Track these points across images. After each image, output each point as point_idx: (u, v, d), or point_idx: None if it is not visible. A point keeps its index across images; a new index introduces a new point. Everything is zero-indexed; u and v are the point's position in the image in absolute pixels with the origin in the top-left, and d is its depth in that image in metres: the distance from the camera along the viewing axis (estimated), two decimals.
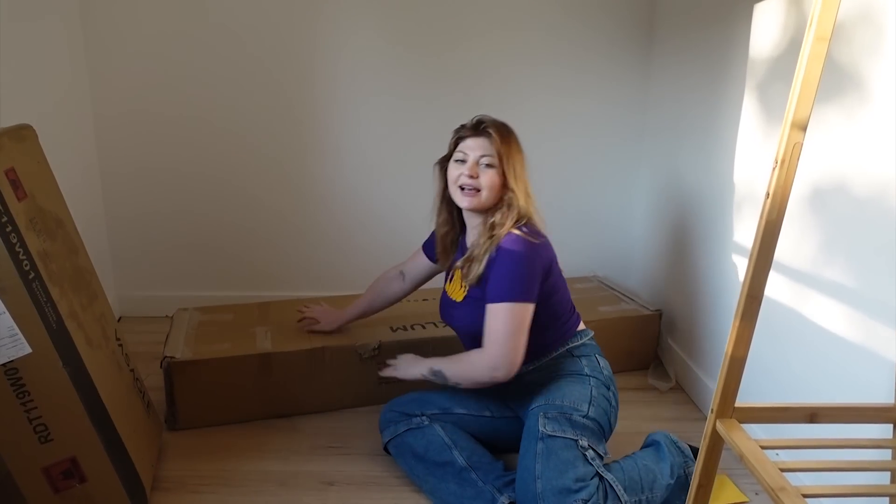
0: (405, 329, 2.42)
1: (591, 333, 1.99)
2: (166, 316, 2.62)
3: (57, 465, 1.60)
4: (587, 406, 1.82)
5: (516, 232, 1.80)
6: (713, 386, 1.34)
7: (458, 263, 1.93)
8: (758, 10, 2.05)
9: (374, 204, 3.06)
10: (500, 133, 1.86)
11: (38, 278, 1.52)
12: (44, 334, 1.51)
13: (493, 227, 1.84)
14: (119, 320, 3.03)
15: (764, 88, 2.01)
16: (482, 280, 1.83)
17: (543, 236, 1.86)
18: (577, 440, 1.74)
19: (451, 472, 1.83)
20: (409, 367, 1.98)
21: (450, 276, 2.06)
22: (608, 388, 1.90)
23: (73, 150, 2.72)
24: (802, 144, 1.09)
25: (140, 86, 2.86)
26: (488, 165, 1.84)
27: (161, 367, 2.13)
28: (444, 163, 1.98)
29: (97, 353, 1.69)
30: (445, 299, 2.04)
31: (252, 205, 3.04)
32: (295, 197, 3.04)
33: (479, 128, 1.89)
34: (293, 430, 2.23)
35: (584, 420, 1.80)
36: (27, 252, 1.51)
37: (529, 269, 1.79)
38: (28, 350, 1.50)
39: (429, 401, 2.01)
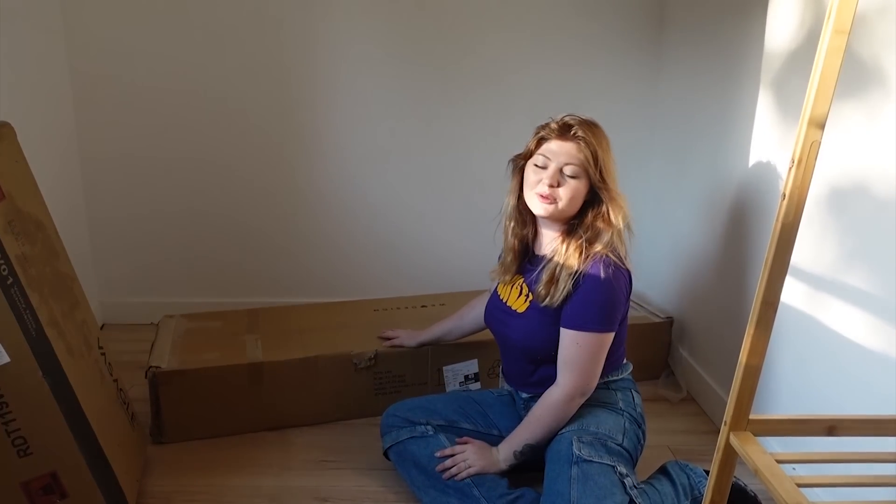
0: None
1: (631, 367, 1.99)
2: (151, 323, 2.62)
3: (36, 480, 1.59)
4: (621, 436, 1.83)
5: (609, 256, 1.76)
6: (726, 397, 1.34)
7: (539, 289, 1.83)
8: (773, 0, 2.05)
9: (369, 207, 3.06)
10: (591, 139, 1.78)
11: (16, 284, 1.52)
12: (22, 342, 1.51)
13: (583, 249, 1.78)
14: (102, 328, 3.03)
15: (780, 84, 2.01)
16: (563, 301, 1.80)
17: (626, 265, 1.82)
18: (614, 466, 1.73)
19: (453, 486, 1.83)
20: (490, 461, 1.86)
21: (508, 280, 2.01)
22: (639, 426, 1.90)
23: (53, 149, 2.73)
24: (820, 143, 1.09)
25: (124, 84, 2.85)
26: (572, 176, 1.78)
27: (146, 377, 2.13)
28: (520, 161, 1.91)
29: (79, 362, 1.69)
30: (499, 305, 2.00)
31: (242, 208, 3.04)
32: (286, 199, 3.04)
33: (567, 131, 1.80)
34: (285, 443, 2.23)
35: (620, 448, 1.80)
36: (5, 256, 1.50)
37: (617, 299, 1.79)
38: (6, 359, 1.49)
39: (434, 410, 2.00)
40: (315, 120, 2.95)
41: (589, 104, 2.95)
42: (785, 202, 1.13)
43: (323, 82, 2.91)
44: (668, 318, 2.69)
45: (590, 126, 1.81)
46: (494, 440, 1.94)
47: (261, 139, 2.96)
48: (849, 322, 1.68)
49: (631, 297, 2.78)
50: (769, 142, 2.07)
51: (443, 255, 3.10)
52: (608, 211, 1.78)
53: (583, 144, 1.77)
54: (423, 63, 2.92)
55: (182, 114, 2.91)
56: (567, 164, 1.78)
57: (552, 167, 1.79)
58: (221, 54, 2.86)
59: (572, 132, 1.79)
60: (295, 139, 2.98)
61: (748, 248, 2.19)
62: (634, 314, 2.69)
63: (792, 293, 1.87)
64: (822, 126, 1.09)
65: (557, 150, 1.80)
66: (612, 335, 1.81)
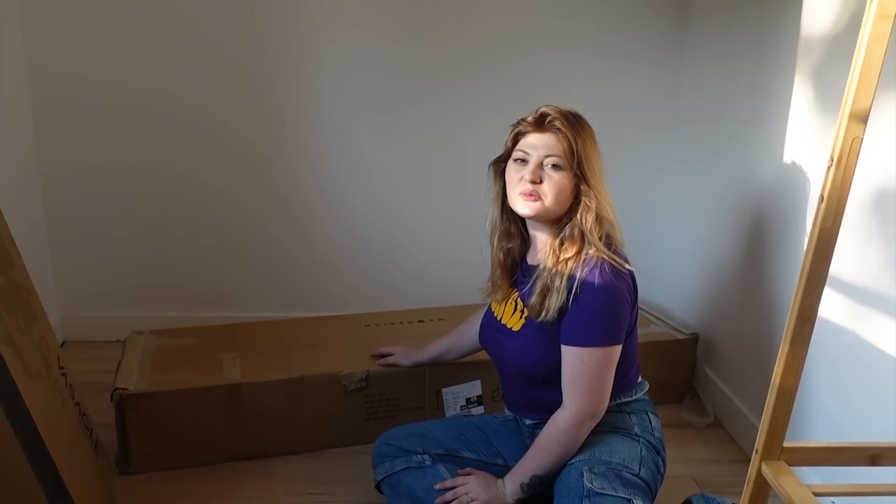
0: None
1: (647, 387, 1.98)
2: (118, 340, 2.62)
3: None
4: (638, 465, 1.81)
5: (605, 257, 1.75)
6: (758, 422, 1.33)
7: (532, 301, 1.83)
8: None
9: (359, 212, 3.07)
10: (570, 127, 1.78)
11: None
12: None
13: (578, 252, 1.77)
14: (62, 345, 3.03)
15: (818, 73, 2.01)
16: (559, 314, 1.79)
17: (629, 263, 1.81)
18: (630, 500, 1.71)
19: None
20: (495, 494, 1.83)
21: (502, 296, 2.01)
22: (658, 453, 1.88)
23: (10, 149, 2.72)
24: (863, 139, 1.09)
25: (86, 85, 2.86)
26: (555, 167, 1.77)
27: (111, 400, 2.13)
28: (500, 164, 1.92)
29: (37, 383, 1.69)
30: (493, 323, 2.00)
31: (217, 212, 3.04)
32: (266, 203, 3.05)
33: (543, 121, 1.81)
34: (267, 473, 2.23)
35: (636, 479, 1.78)
36: None
37: (620, 307, 1.77)
38: None
39: (432, 437, 2.00)
40: (295, 120, 2.96)
41: (603, 98, 2.97)
42: (823, 205, 1.13)
43: (303, 83, 2.92)
44: (692, 334, 2.69)
45: (569, 115, 1.82)
46: (499, 470, 1.93)
47: (238, 141, 2.97)
48: (895, 339, 1.68)
49: (654, 312, 2.81)
50: (806, 138, 2.07)
51: (442, 264, 3.10)
52: (594, 205, 1.78)
53: (561, 135, 1.78)
54: (414, 51, 2.93)
55: (152, 110, 2.90)
56: (548, 156, 1.78)
57: (532, 162, 1.80)
58: (196, 49, 2.87)
59: (549, 122, 1.80)
60: (274, 141, 2.98)
61: (782, 257, 2.19)
62: (656, 330, 2.69)
63: (831, 307, 1.87)
64: (864, 120, 1.09)
65: (536, 143, 1.81)
66: (618, 348, 1.80)
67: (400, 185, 3.04)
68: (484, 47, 2.93)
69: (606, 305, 1.75)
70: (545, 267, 1.82)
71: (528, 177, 1.79)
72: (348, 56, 2.90)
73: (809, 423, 2.01)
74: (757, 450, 1.28)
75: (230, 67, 2.89)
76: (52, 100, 2.87)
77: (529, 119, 1.85)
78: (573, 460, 1.81)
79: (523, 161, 1.82)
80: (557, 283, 1.77)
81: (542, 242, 1.88)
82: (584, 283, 1.74)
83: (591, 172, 1.78)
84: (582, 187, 1.78)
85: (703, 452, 2.38)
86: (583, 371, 1.76)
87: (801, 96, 2.08)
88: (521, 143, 1.84)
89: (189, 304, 3.11)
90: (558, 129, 1.78)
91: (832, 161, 1.11)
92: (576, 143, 1.76)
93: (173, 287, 3.11)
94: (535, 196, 1.79)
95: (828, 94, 1.96)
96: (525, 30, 2.92)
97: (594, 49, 2.95)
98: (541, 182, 1.78)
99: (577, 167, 1.77)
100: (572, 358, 1.77)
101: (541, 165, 1.79)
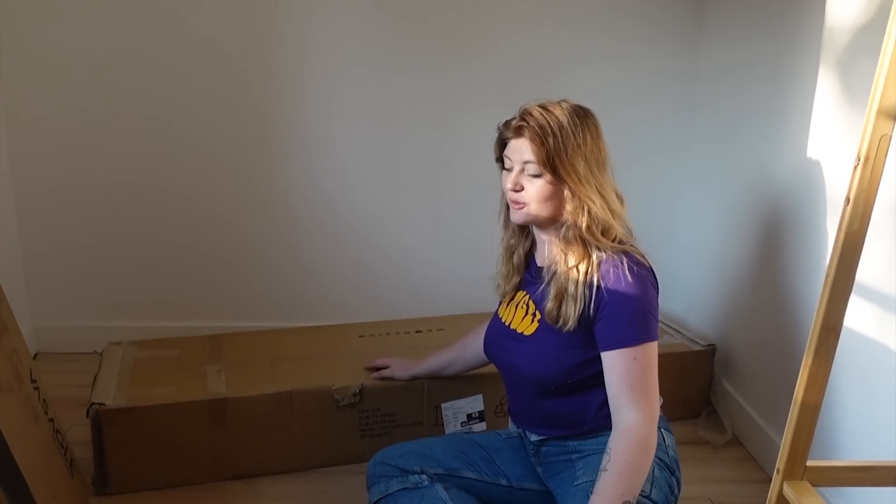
0: None
1: (660, 402, 1.97)
2: (94, 352, 2.62)
3: None
4: (649, 486, 1.79)
5: (626, 249, 1.75)
6: (779, 439, 1.33)
7: (548, 306, 1.81)
8: None
9: (352, 215, 3.07)
10: (539, 130, 1.77)
11: None
12: None
13: (585, 256, 1.77)
14: (35, 357, 3.02)
15: (844, 65, 2.01)
16: (579, 322, 1.78)
17: (646, 263, 1.80)
18: None
19: None
20: None
21: (510, 299, 2.00)
22: (672, 473, 1.86)
23: None
24: (891, 137, 1.09)
25: (60, 77, 2.85)
26: (535, 175, 1.78)
27: (88, 415, 2.12)
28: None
29: (8, 398, 1.69)
30: (502, 329, 1.98)
31: (199, 215, 3.04)
32: (252, 206, 3.04)
33: (518, 126, 1.81)
34: (253, 494, 2.22)
35: (647, 501, 1.77)
36: None
37: (653, 301, 1.77)
38: None
39: (431, 456, 1.98)
40: (280, 122, 2.96)
41: (613, 86, 2.97)
42: (849, 207, 1.13)
43: (288, 86, 2.92)
44: (709, 345, 2.69)
45: (542, 115, 1.80)
46: (502, 492, 1.92)
47: (221, 139, 2.97)
48: None
49: (668, 322, 2.80)
50: (830, 135, 2.07)
51: (441, 271, 3.10)
52: (585, 206, 1.76)
53: (533, 141, 1.77)
54: (408, 38, 2.92)
55: (128, 105, 2.90)
56: (527, 162, 1.79)
57: (514, 170, 1.81)
58: (176, 41, 2.86)
59: (521, 126, 1.81)
60: (258, 143, 2.98)
61: (805, 263, 2.19)
62: (670, 341, 2.69)
63: (858, 316, 1.87)
64: (893, 116, 1.09)
65: (515, 149, 1.82)
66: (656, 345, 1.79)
67: (398, 187, 3.04)
68: (487, 34, 2.92)
69: (640, 303, 1.74)
70: (556, 271, 1.82)
71: (509, 186, 1.81)
72: (334, 55, 2.90)
73: (835, 441, 2.00)
74: (778, 469, 1.28)
75: (209, 70, 2.89)
76: (24, 104, 2.86)
77: (512, 122, 1.85)
78: (579, 481, 1.80)
79: (509, 169, 1.83)
80: (572, 289, 1.76)
81: (547, 244, 1.89)
82: (610, 286, 1.73)
83: (571, 174, 1.75)
84: (565, 191, 1.78)
85: (720, 472, 2.38)
86: (637, 370, 1.73)
87: (826, 90, 2.08)
88: (506, 150, 1.85)
89: (170, 313, 3.11)
90: (528, 135, 1.78)
91: (859, 160, 1.11)
92: (547, 147, 1.75)
93: (153, 295, 3.10)
94: (521, 204, 1.81)
95: (854, 87, 1.96)
96: (531, 13, 2.91)
97: (604, 32, 2.95)
98: (523, 189, 1.80)
99: (551, 172, 1.76)
100: (624, 360, 1.73)
101: (522, 171, 1.80)
